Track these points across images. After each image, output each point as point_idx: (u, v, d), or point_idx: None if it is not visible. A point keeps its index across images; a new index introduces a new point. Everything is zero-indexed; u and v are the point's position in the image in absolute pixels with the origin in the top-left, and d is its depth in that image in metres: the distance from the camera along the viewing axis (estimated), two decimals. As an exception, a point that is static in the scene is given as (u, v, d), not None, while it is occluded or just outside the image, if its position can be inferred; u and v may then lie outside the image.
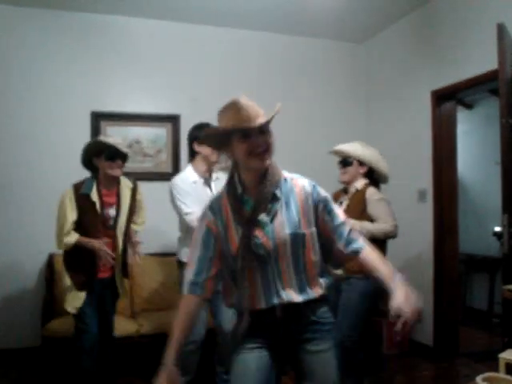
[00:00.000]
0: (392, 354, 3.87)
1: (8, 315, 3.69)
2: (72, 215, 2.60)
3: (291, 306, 1.51)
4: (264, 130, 1.46)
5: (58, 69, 3.90)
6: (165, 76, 4.16)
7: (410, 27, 4.17)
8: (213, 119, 4.28)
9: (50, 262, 3.66)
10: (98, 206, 2.65)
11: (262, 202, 1.49)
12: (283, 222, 1.50)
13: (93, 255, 2.62)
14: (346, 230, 1.58)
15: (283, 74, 4.49)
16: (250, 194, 1.53)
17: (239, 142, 1.46)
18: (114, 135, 3.44)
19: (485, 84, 3.50)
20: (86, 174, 3.08)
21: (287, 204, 1.53)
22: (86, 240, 2.60)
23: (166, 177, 3.60)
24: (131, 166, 4.02)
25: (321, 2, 3.79)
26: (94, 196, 2.65)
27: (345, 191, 2.95)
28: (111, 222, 2.73)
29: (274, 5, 3.86)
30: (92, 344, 2.66)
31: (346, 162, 2.87)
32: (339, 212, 1.61)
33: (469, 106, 5.32)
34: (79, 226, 2.62)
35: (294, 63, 4.55)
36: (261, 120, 1.44)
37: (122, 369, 3.21)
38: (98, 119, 3.97)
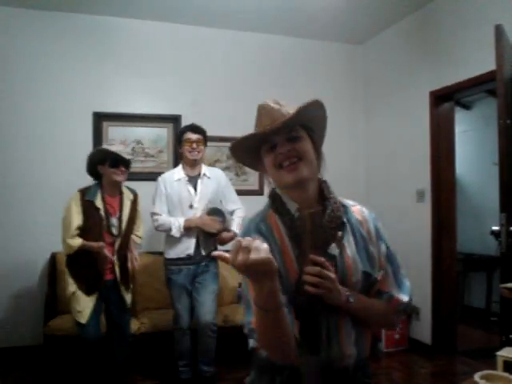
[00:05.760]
0: (390, 351, 3.90)
1: (10, 314, 3.72)
2: (77, 219, 2.66)
3: (339, 370, 1.16)
4: (291, 136, 1.18)
5: (60, 70, 3.92)
6: (166, 77, 4.18)
7: (408, 28, 4.19)
8: (213, 119, 4.30)
9: (53, 261, 3.68)
10: (102, 212, 2.72)
11: (330, 228, 1.17)
12: (355, 258, 1.19)
13: (97, 258, 2.68)
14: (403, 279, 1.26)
15: (282, 76, 4.51)
16: None
17: (265, 155, 1.21)
18: (117, 141, 3.62)
19: (483, 85, 3.52)
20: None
21: (354, 235, 1.23)
22: (88, 244, 2.66)
23: (167, 177, 3.63)
24: (133, 166, 4.03)
25: (319, 3, 3.82)
26: (99, 202, 2.72)
27: None
28: (114, 231, 2.79)
29: (274, 7, 3.88)
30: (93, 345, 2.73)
31: None
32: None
33: (467, 107, 5.34)
34: (84, 231, 2.68)
35: (293, 65, 4.57)
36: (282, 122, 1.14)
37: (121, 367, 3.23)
38: (100, 120, 3.99)
